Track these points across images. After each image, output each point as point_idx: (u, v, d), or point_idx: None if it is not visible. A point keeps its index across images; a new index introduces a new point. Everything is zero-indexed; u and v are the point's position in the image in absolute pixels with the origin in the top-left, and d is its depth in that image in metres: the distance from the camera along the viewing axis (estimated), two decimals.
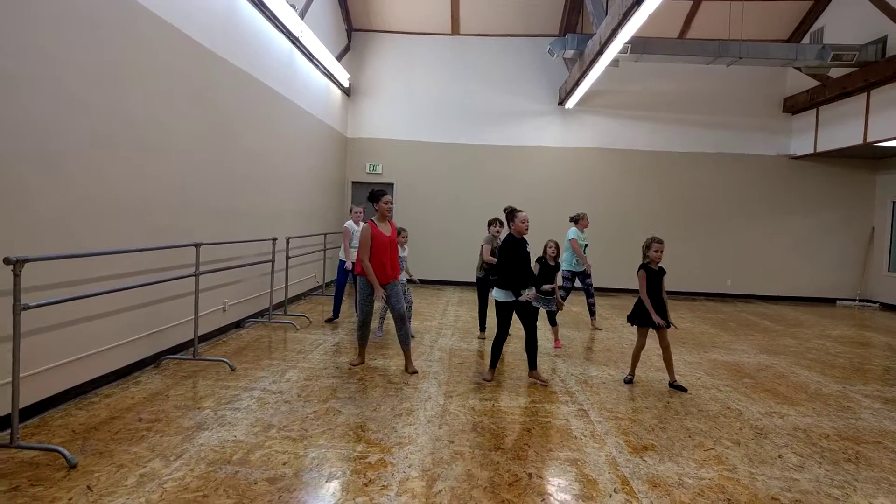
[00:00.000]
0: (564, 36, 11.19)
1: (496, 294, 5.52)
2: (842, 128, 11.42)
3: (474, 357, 6.67)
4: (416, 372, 5.85)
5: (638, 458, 3.95)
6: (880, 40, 10.27)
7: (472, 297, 11.65)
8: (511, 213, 5.57)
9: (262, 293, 8.41)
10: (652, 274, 5.62)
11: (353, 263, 8.13)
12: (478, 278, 7.71)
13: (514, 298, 5.37)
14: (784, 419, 4.90)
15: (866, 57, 10.24)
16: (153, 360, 5.78)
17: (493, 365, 5.74)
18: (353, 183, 13.78)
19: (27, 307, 3.51)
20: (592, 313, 8.81)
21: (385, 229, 5.81)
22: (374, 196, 5.77)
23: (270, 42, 8.53)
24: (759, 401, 5.41)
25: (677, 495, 3.40)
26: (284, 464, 3.63)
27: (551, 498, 3.31)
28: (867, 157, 12.74)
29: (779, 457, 4.07)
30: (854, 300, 13.23)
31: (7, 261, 3.40)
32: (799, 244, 13.27)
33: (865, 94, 10.73)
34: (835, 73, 11.42)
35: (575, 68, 11.27)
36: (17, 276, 3.45)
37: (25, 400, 4.14)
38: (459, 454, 3.89)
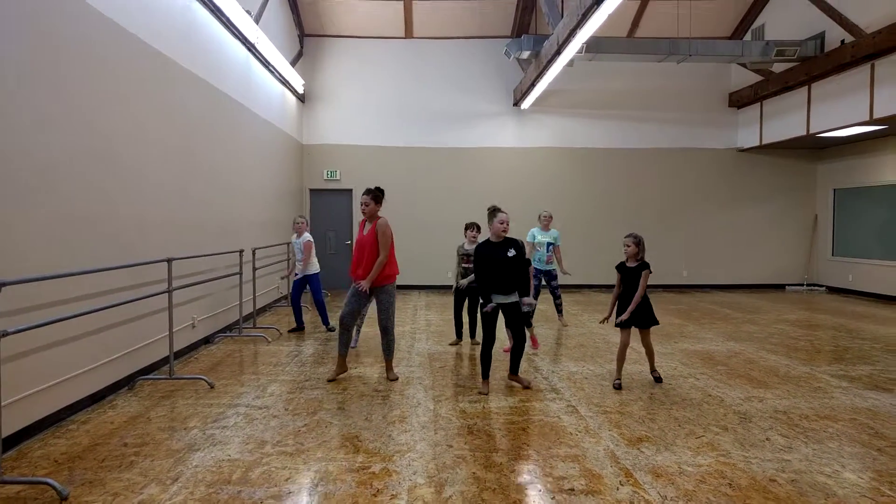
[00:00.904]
0: (520, 37, 11.31)
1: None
2: (785, 120, 11.90)
3: (454, 360, 6.67)
4: (396, 379, 5.81)
5: (635, 449, 4.02)
6: (818, 36, 10.75)
7: (440, 300, 11.67)
8: (490, 213, 5.40)
9: (228, 307, 8.22)
10: (625, 271, 5.64)
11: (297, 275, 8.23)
12: (455, 289, 7.35)
13: (499, 301, 5.26)
14: (763, 403, 5.08)
15: (806, 52, 10.70)
16: (126, 382, 5.58)
17: (485, 375, 5.45)
18: (311, 190, 13.60)
19: (5, 333, 3.34)
20: (560, 311, 8.93)
21: (366, 228, 5.78)
22: (377, 196, 5.91)
23: (227, 49, 8.35)
24: (736, 387, 5.59)
25: (681, 483, 3.48)
26: (287, 480, 3.55)
27: (561, 495, 3.34)
28: (809, 147, 13.32)
29: (766, 439, 4.21)
30: (802, 285, 13.80)
31: None
32: (748, 233, 13.77)
33: (807, 87, 11.21)
34: (777, 68, 11.89)
35: (531, 69, 11.41)
36: None
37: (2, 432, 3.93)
38: (461, 458, 3.89)
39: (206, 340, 7.56)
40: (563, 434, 4.34)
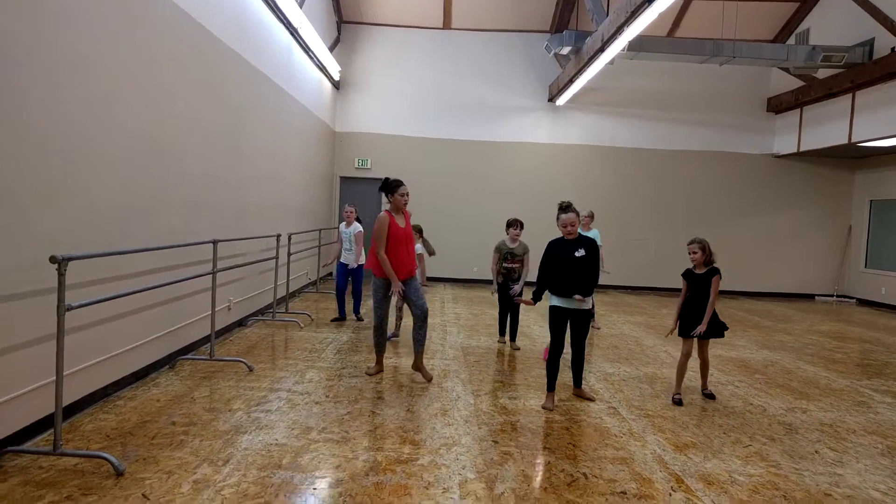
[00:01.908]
0: (561, 32, 11.21)
1: (551, 299, 5.04)
2: (827, 127, 11.70)
3: (489, 355, 6.66)
4: (430, 378, 5.52)
5: (683, 455, 3.99)
6: (867, 42, 10.54)
7: (466, 293, 11.66)
8: (558, 210, 5.07)
9: (261, 291, 8.27)
10: (692, 278, 5.29)
11: (340, 263, 8.08)
12: (497, 284, 7.07)
13: (570, 306, 4.92)
14: (807, 414, 5.01)
15: (853, 59, 10.50)
16: (167, 361, 5.63)
17: (551, 387, 5.01)
18: (342, 178, 13.62)
19: (70, 307, 3.37)
20: (592, 314, 8.87)
21: (400, 221, 5.44)
22: (389, 186, 5.41)
23: (271, 33, 8.36)
24: (777, 396, 5.52)
25: (734, 493, 3.45)
26: (337, 467, 3.57)
27: (614, 498, 3.32)
28: (847, 156, 13.10)
29: (815, 452, 4.16)
30: (832, 296, 13.61)
31: (53, 259, 3.25)
32: (779, 241, 13.59)
33: (851, 94, 11.01)
34: (820, 74, 11.68)
35: (570, 65, 11.31)
36: (62, 275, 3.30)
37: (52, 406, 3.98)
38: (508, 454, 3.88)
39: (240, 323, 7.61)
40: (607, 436, 4.31)
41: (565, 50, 10.96)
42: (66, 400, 4.14)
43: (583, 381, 5.42)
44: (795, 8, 12.54)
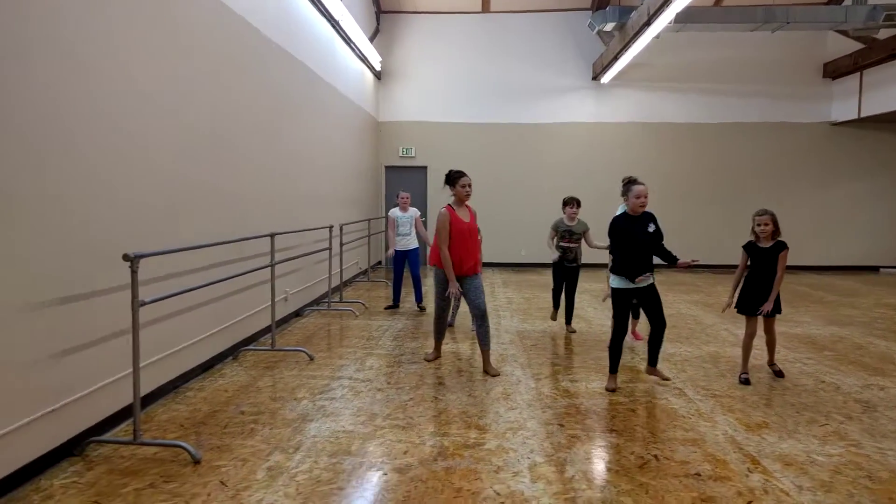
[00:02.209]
0: (604, 9, 10.96)
1: (612, 281, 4.90)
2: (890, 91, 11.16)
3: (545, 339, 6.61)
4: (497, 374, 5.24)
5: (756, 436, 3.88)
6: None
7: (516, 278, 11.60)
8: (626, 185, 4.90)
9: (315, 281, 8.37)
10: (756, 252, 5.06)
11: (399, 252, 8.03)
12: (553, 263, 6.83)
13: (631, 286, 4.78)
14: (885, 391, 4.82)
15: None
16: (231, 352, 5.76)
17: (613, 369, 4.91)
18: (387, 168, 13.67)
19: (143, 303, 3.47)
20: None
21: (464, 215, 5.29)
22: (451, 179, 5.33)
23: (314, 27, 8.41)
24: (849, 373, 5.33)
25: (814, 473, 3.34)
26: (405, 453, 3.59)
27: (688, 479, 3.26)
28: None
29: None
30: (893, 267, 13.05)
31: (126, 257, 3.35)
32: (840, 212, 13.06)
33: None
34: (882, 34, 11.13)
35: (614, 42, 11.06)
36: (134, 272, 3.40)
37: (129, 397, 4.11)
38: (575, 437, 3.84)
39: (297, 313, 7.73)
40: (675, 417, 4.23)
41: (609, 26, 10.73)
42: (142, 392, 4.27)
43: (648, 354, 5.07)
44: None
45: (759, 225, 5.05)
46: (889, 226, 13.05)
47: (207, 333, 5.29)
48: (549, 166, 13.32)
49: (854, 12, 10.07)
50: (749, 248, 5.14)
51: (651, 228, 4.77)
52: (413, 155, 13.56)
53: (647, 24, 9.10)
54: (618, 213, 7.13)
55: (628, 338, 6.32)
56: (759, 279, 5.06)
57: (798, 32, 12.48)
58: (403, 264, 8.19)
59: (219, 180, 5.42)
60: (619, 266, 4.79)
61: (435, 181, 13.39)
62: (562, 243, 6.71)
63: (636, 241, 4.74)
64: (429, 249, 6.51)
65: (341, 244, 8.69)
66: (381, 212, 13.39)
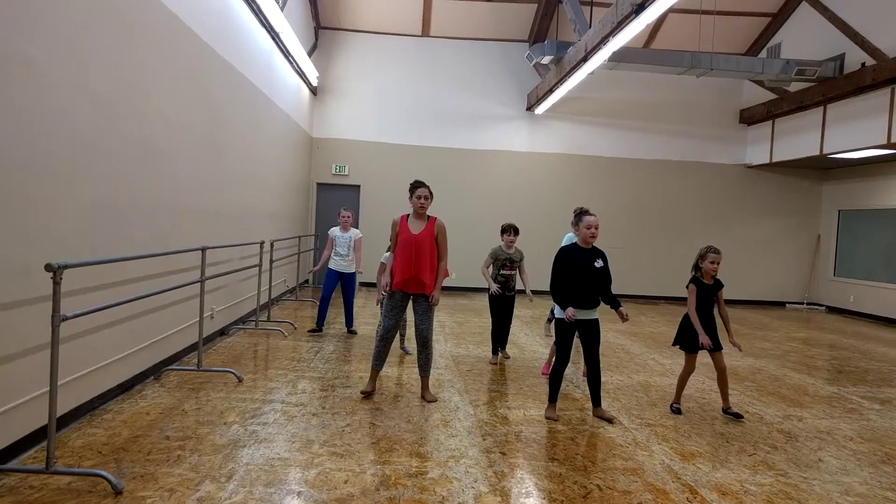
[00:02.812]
0: (542, 42, 11.27)
1: (557, 311, 4.87)
2: (798, 139, 11.98)
3: (480, 364, 6.59)
4: (435, 400, 5.11)
5: (692, 465, 3.97)
6: (838, 57, 10.83)
7: (448, 302, 11.57)
8: (577, 215, 4.89)
9: (242, 298, 8.06)
10: (704, 289, 5.09)
11: (331, 270, 7.69)
12: (490, 295, 6.67)
13: (580, 317, 4.74)
14: (804, 422, 5.06)
15: (825, 73, 10.77)
16: (152, 372, 5.42)
17: (552, 398, 4.89)
18: (319, 184, 13.44)
19: (65, 318, 3.20)
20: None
21: (416, 227, 5.04)
22: (410, 188, 5.10)
23: (254, 38, 8.20)
24: (770, 404, 5.57)
25: (750, 502, 3.43)
26: (346, 482, 3.45)
27: None
28: (816, 167, 13.43)
29: (819, 460, 4.19)
30: (802, 303, 13.91)
31: (49, 267, 3.08)
32: (752, 250, 13.83)
33: (822, 108, 11.29)
34: (792, 87, 11.96)
35: (550, 74, 11.36)
36: (57, 283, 3.14)
37: (42, 420, 3.78)
38: (518, 466, 3.81)
39: (223, 332, 7.40)
40: (613, 446, 4.27)
41: (546, 59, 11.01)
42: (58, 413, 3.93)
43: (590, 394, 5.01)
44: (767, 22, 12.84)
45: (711, 262, 5.06)
46: (795, 264, 13.92)
47: (129, 351, 4.95)
48: (483, 192, 13.46)
49: (770, 64, 10.79)
50: (698, 282, 5.13)
51: (598, 264, 4.79)
52: (346, 173, 13.40)
53: (584, 59, 9.40)
54: (563, 243, 7.09)
55: (581, 377, 6.14)
56: (702, 316, 5.07)
57: (718, 79, 13.24)
58: (335, 286, 7.79)
59: (151, 189, 5.13)
60: (565, 297, 4.78)
61: (368, 200, 13.28)
62: (502, 271, 6.58)
63: (584, 272, 4.74)
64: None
65: (271, 261, 8.41)
66: (310, 229, 13.11)
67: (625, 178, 13.70)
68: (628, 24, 7.58)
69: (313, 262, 13.00)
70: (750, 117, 13.41)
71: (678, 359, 7.25)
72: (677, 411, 5.10)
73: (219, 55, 6.67)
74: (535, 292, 6.97)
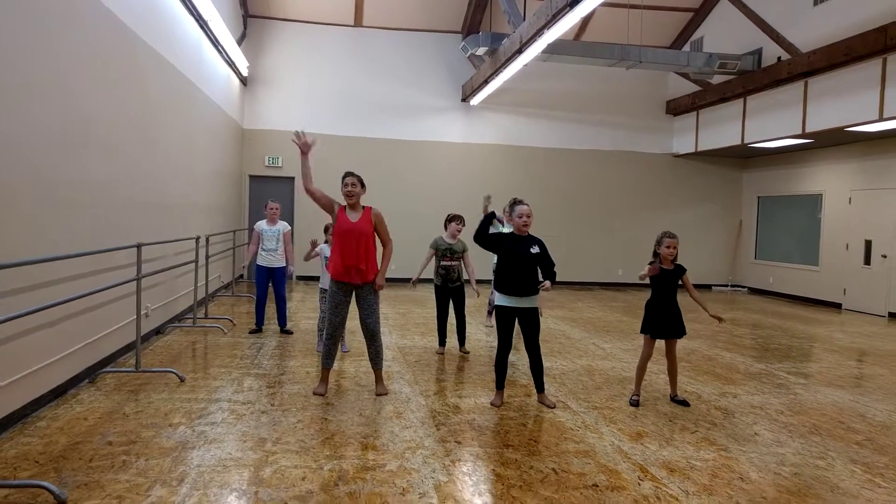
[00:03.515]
0: (477, 33, 11.33)
1: (497, 298, 4.95)
2: (721, 129, 12.53)
3: (427, 355, 6.61)
4: (386, 393, 5.08)
5: (640, 445, 4.12)
6: (756, 51, 11.37)
7: (389, 293, 11.51)
8: (511, 205, 4.88)
9: (177, 296, 7.79)
10: (665, 274, 5.12)
11: (260, 267, 7.37)
12: (435, 286, 6.69)
13: (518, 305, 4.81)
14: (738, 398, 5.33)
15: (745, 66, 11.29)
16: (86, 375, 5.17)
17: (500, 385, 4.94)
18: (251, 177, 13.10)
19: None
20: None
21: (352, 216, 4.98)
22: (342, 179, 5.08)
23: (182, 26, 7.90)
24: (706, 382, 5.84)
25: (696, 478, 3.59)
26: (303, 479, 3.39)
27: (588, 491, 3.37)
28: (737, 156, 14.08)
29: (755, 434, 4.42)
30: (727, 286, 14.60)
31: None
32: (680, 235, 14.03)
33: (742, 99, 11.84)
34: (715, 79, 12.47)
35: (485, 66, 11.44)
36: None
37: None
38: (475, 455, 3.85)
39: (158, 331, 7.13)
40: (564, 430, 4.38)
41: (481, 51, 11.09)
42: None
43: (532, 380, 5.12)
44: (690, 17, 13.33)
45: (667, 247, 5.12)
46: (720, 248, 14.59)
47: (60, 355, 4.70)
48: (418, 183, 13.44)
49: (694, 58, 11.22)
50: (656, 274, 5.09)
51: (535, 250, 4.86)
52: (280, 165, 13.11)
53: (519, 51, 9.51)
54: (504, 231, 7.19)
55: (527, 363, 6.18)
56: (664, 301, 5.12)
57: (646, 71, 13.64)
58: (268, 283, 7.45)
59: (80, 184, 4.87)
60: (504, 284, 4.86)
61: (303, 192, 12.99)
62: (443, 262, 6.53)
63: (518, 258, 4.81)
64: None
65: (207, 256, 8.15)
66: (244, 223, 12.77)
67: (559, 168, 13.98)
68: (563, 16, 7.71)
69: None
70: (676, 108, 13.91)
71: (618, 342, 7.53)
72: (635, 403, 5.03)
73: (147, 44, 6.39)
74: (478, 282, 6.99)
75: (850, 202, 11.58)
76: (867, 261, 11.14)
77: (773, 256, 13.65)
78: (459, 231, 6.58)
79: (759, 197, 14.14)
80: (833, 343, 8.16)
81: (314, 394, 5.02)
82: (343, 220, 4.97)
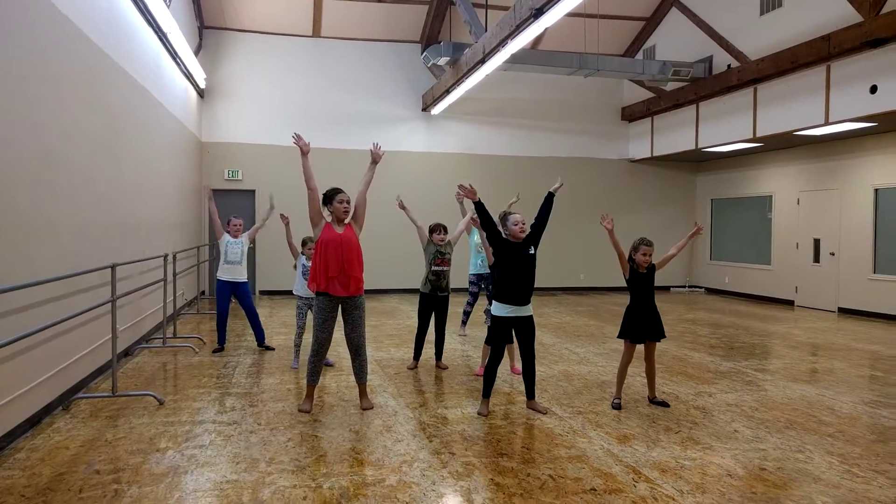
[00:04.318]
0: (437, 44, 11.42)
1: (495, 309, 5.00)
2: (676, 134, 12.93)
3: (405, 367, 6.62)
4: (371, 407, 5.07)
5: (629, 447, 4.22)
6: (707, 59, 11.78)
7: None
8: (502, 218, 5.11)
9: (143, 315, 7.59)
10: (640, 278, 5.27)
11: (222, 282, 7.20)
12: (421, 294, 6.51)
13: (515, 315, 4.89)
14: (713, 397, 5.51)
15: (697, 74, 11.69)
16: (59, 403, 4.99)
17: (486, 394, 4.98)
18: (211, 190, 12.81)
19: None
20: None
21: (338, 228, 4.96)
22: (327, 198, 5.00)
23: (142, 39, 7.73)
24: (680, 383, 6.02)
25: (688, 477, 3.71)
26: (304, 499, 3.37)
27: (587, 495, 3.44)
28: (690, 160, 14.54)
29: (735, 431, 4.58)
30: (684, 286, 15.03)
31: None
32: (637, 238, 14.71)
33: (695, 105, 12.24)
34: (669, 87, 12.86)
35: (446, 76, 11.53)
36: None
37: None
38: (471, 465, 3.88)
39: (126, 353, 6.94)
40: (553, 436, 4.45)
41: (442, 61, 11.18)
42: None
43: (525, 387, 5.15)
44: (642, 26, 13.72)
45: (643, 254, 5.28)
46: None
47: (33, 383, 4.54)
48: (380, 194, 13.38)
49: (649, 66, 11.57)
50: (634, 279, 5.29)
51: (532, 251, 4.99)
52: (240, 178, 12.92)
53: (482, 61, 9.64)
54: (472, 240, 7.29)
55: (508, 371, 6.29)
56: (643, 305, 5.23)
57: (601, 79, 13.96)
58: (230, 298, 7.26)
59: (47, 205, 4.73)
60: (503, 292, 4.92)
61: (264, 205, 12.80)
62: (434, 267, 6.34)
63: (522, 261, 4.90)
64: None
65: (174, 274, 7.98)
66: (204, 238, 12.52)
67: (519, 176, 14.10)
68: (527, 27, 7.85)
69: (209, 272, 12.37)
70: (631, 114, 14.28)
71: (590, 347, 7.68)
72: (617, 406, 5.13)
73: (109, 57, 6.25)
74: (452, 290, 6.95)
75: (798, 203, 12.09)
76: (816, 258, 11.65)
77: (727, 257, 14.13)
78: (443, 241, 6.50)
79: (712, 199, 14.62)
80: (791, 339, 8.50)
81: (300, 411, 4.96)
82: (330, 232, 4.93)
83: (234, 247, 7.27)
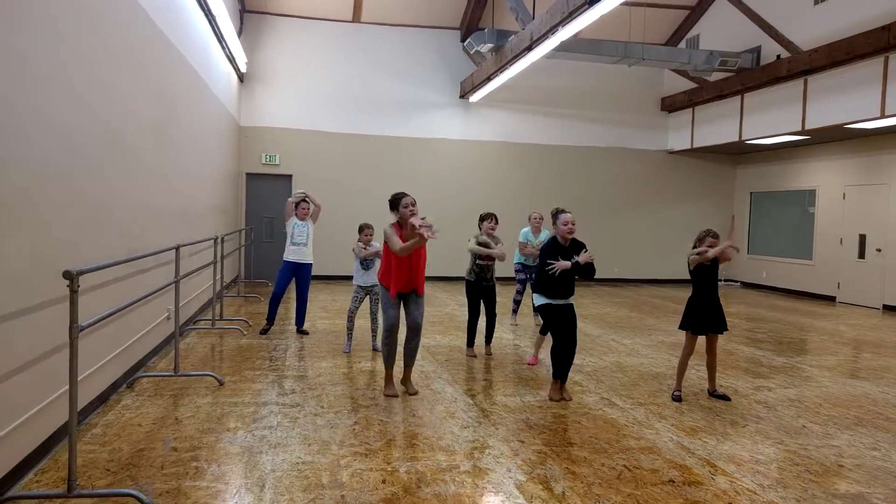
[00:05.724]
0: (481, 30, 11.33)
1: (536, 299, 5.20)
2: (718, 126, 12.72)
3: (455, 354, 6.62)
4: (416, 392, 5.10)
5: (698, 440, 4.18)
6: (755, 49, 11.55)
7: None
8: (554, 214, 5.15)
9: (189, 298, 7.64)
10: (706, 270, 5.17)
11: (290, 263, 7.22)
12: (467, 282, 6.58)
13: (560, 302, 5.02)
14: (773, 392, 5.43)
15: (743, 64, 11.47)
16: (124, 381, 5.06)
17: (559, 377, 5.05)
18: (248, 175, 12.93)
19: (81, 328, 2.94)
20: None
21: (406, 234, 4.93)
22: (393, 203, 5.01)
23: (194, 23, 7.75)
24: (737, 377, 5.94)
25: (765, 471, 3.66)
26: (383, 482, 3.38)
27: (666, 487, 3.41)
28: (730, 152, 14.31)
29: (803, 427, 4.51)
30: (720, 280, 14.79)
31: (67, 275, 2.82)
32: (674, 231, 14.54)
33: (740, 97, 12.02)
34: (712, 77, 12.63)
35: (488, 63, 11.44)
36: (74, 292, 2.87)
37: (35, 440, 3.46)
38: (542, 453, 3.87)
39: (178, 333, 7.00)
40: (619, 426, 4.42)
41: (486, 48, 11.08)
42: (44, 434, 3.62)
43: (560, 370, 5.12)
44: (686, 15, 13.49)
45: (710, 245, 5.13)
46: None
47: (104, 360, 4.60)
48: (417, 180, 13.37)
49: (696, 55, 11.36)
50: (697, 270, 5.22)
51: (576, 258, 4.98)
52: (277, 162, 12.98)
53: (529, 48, 9.54)
54: (520, 238, 8.00)
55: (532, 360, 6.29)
56: (706, 296, 5.14)
57: (642, 68, 13.74)
58: (290, 279, 7.32)
59: (120, 189, 4.77)
60: (545, 287, 5.03)
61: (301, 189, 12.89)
62: (478, 261, 6.39)
63: (565, 269, 4.93)
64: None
65: (222, 257, 8.04)
66: (242, 222, 12.60)
67: (555, 165, 14.06)
68: (580, 14, 7.75)
69: (246, 256, 12.43)
70: (671, 105, 14.08)
71: (637, 338, 7.63)
72: (678, 399, 5.08)
73: (173, 44, 6.29)
74: (498, 279, 6.90)
75: (844, 197, 11.85)
76: (861, 254, 11.43)
77: (766, 251, 13.92)
78: (493, 229, 6.52)
79: (751, 192, 14.39)
80: (840, 336, 8.36)
81: (386, 396, 5.01)
82: (402, 237, 4.91)
83: (300, 229, 7.33)
